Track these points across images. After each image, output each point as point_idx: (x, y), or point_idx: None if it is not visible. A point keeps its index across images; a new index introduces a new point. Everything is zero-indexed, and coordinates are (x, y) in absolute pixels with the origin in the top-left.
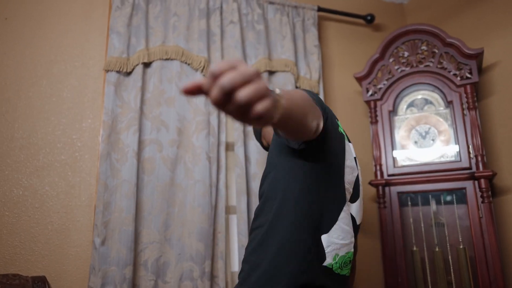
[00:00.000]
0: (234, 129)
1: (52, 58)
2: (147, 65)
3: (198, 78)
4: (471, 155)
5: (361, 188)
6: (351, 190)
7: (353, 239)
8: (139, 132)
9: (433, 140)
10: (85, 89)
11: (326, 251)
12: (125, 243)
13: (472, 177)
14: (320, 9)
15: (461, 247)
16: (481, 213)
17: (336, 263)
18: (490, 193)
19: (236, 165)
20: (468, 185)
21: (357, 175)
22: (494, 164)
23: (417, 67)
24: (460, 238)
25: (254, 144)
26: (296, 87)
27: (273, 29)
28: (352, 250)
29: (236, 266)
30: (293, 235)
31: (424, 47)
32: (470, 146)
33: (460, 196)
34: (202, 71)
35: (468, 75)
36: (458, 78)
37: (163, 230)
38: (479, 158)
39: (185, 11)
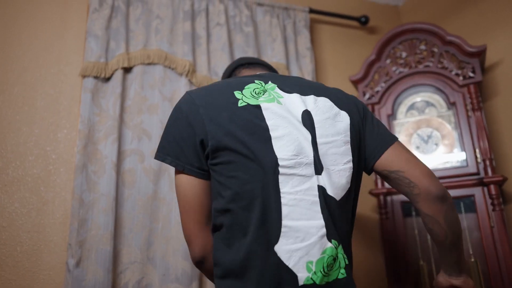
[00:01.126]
0: None
1: (25, 64)
2: (127, 70)
3: (183, 83)
4: (479, 160)
5: (333, 156)
6: (302, 162)
7: (323, 229)
8: (119, 142)
9: (436, 144)
10: (60, 97)
11: (290, 266)
12: (103, 264)
13: (480, 183)
14: (312, 11)
15: (472, 260)
16: (492, 222)
17: (315, 273)
18: (501, 200)
19: None
20: (477, 191)
21: (312, 138)
22: (502, 168)
23: (416, 68)
24: (471, 250)
25: None
26: None
27: (262, 31)
28: (329, 244)
29: None
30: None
31: (422, 47)
32: (477, 150)
33: (468, 204)
34: (187, 75)
35: (471, 74)
36: (461, 78)
37: (146, 249)
38: (487, 163)
39: (169, 13)
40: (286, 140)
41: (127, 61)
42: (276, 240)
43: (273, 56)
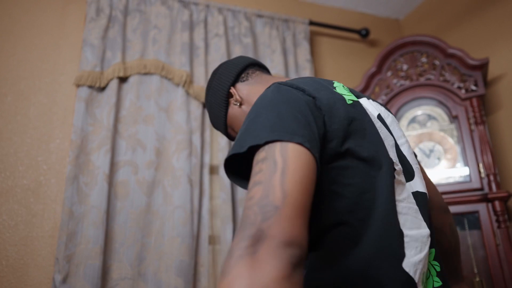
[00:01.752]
0: (219, 149)
1: (19, 73)
2: (123, 80)
3: (179, 94)
4: (482, 175)
5: (410, 158)
6: (399, 164)
7: (429, 238)
8: (112, 153)
9: (438, 159)
10: (54, 107)
11: (416, 280)
12: (91, 280)
13: (485, 199)
14: (311, 23)
15: (477, 279)
16: (497, 240)
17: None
18: (506, 216)
19: (221, 189)
20: (481, 208)
21: (395, 142)
22: (507, 184)
23: (417, 81)
24: (476, 270)
25: None
26: None
27: (261, 43)
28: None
29: None
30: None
31: (424, 59)
32: (481, 165)
33: (473, 220)
34: (183, 86)
35: (473, 88)
36: (463, 91)
37: (137, 264)
38: (491, 178)
39: (167, 23)
40: (387, 142)
41: (123, 71)
42: (402, 253)
43: (272, 67)
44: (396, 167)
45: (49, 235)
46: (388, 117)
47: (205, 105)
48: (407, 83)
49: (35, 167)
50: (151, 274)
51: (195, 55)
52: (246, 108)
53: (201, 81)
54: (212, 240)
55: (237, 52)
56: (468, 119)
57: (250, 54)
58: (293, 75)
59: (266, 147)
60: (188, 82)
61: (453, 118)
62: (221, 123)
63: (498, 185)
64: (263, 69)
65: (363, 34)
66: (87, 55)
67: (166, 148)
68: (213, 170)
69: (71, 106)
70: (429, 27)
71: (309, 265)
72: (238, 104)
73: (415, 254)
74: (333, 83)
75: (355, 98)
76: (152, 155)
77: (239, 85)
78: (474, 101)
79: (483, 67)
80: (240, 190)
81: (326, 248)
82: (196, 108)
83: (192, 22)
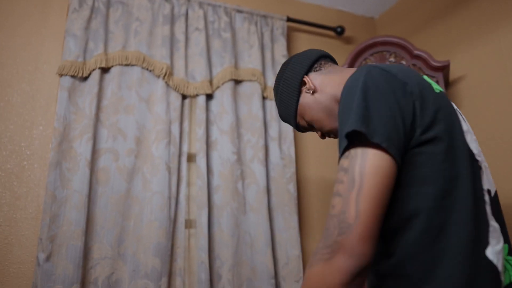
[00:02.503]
0: (196, 139)
1: (2, 60)
2: (105, 70)
3: (160, 85)
4: None
5: (480, 154)
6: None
7: (497, 224)
8: (94, 141)
9: None
10: (37, 95)
11: (499, 270)
12: (73, 259)
13: None
14: (289, 19)
15: None
16: None
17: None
18: None
19: (198, 176)
20: None
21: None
22: None
23: None
24: None
25: (217, 156)
26: (263, 97)
27: (240, 37)
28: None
29: (196, 283)
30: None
31: (392, 59)
32: None
33: None
34: (164, 77)
35: None
36: None
37: (117, 245)
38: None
39: (148, 16)
40: (469, 136)
41: (105, 62)
42: (486, 242)
43: (250, 62)
44: (478, 158)
45: (32, 217)
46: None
47: (275, 99)
48: None
49: (18, 152)
50: (130, 255)
51: (176, 48)
52: (319, 96)
53: (180, 74)
54: (188, 224)
55: (216, 46)
56: None
57: (228, 49)
58: (269, 70)
59: (352, 152)
60: (168, 74)
61: None
62: (292, 112)
63: None
64: (334, 61)
65: (339, 31)
66: (70, 45)
67: (146, 137)
68: (190, 158)
69: (53, 94)
70: (400, 27)
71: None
72: (311, 92)
73: (496, 244)
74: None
75: (441, 89)
76: (132, 144)
77: (312, 75)
78: None
79: (444, 68)
80: (215, 178)
81: (408, 237)
82: (176, 100)
83: (173, 16)
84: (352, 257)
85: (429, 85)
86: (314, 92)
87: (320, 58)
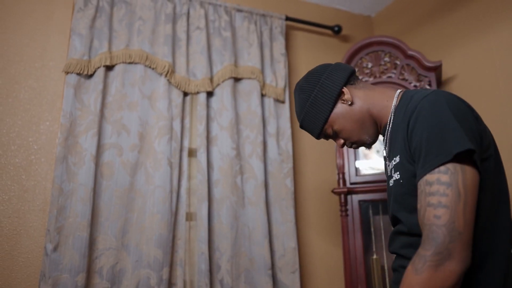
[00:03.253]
0: (197, 135)
1: (10, 57)
2: (109, 68)
3: (162, 83)
4: None
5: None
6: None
7: None
8: (98, 136)
9: None
10: (44, 91)
11: None
12: (79, 250)
13: None
14: (288, 19)
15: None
16: None
17: None
18: None
19: (198, 171)
20: None
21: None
22: None
23: (380, 78)
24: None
25: (217, 151)
26: (262, 94)
27: (240, 36)
28: None
29: (196, 273)
30: None
31: (386, 59)
32: None
33: None
34: (166, 75)
35: (427, 87)
36: None
37: (120, 237)
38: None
39: (151, 15)
40: None
41: (110, 60)
42: None
43: (249, 60)
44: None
45: (40, 209)
46: None
47: (304, 103)
48: (371, 79)
49: (26, 146)
50: (133, 246)
51: (177, 46)
52: (354, 107)
53: (182, 71)
54: (189, 216)
55: (216, 45)
56: None
57: (228, 47)
58: (268, 68)
59: (451, 169)
60: (170, 72)
61: None
62: (323, 119)
63: None
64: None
65: (336, 30)
66: (75, 44)
67: (149, 132)
68: (191, 153)
69: (59, 90)
70: (396, 26)
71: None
72: (349, 103)
73: None
74: None
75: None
76: (135, 139)
77: (349, 87)
78: None
79: (436, 69)
80: (215, 172)
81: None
82: (177, 97)
83: (175, 15)
84: (462, 262)
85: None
86: (351, 103)
87: (353, 73)
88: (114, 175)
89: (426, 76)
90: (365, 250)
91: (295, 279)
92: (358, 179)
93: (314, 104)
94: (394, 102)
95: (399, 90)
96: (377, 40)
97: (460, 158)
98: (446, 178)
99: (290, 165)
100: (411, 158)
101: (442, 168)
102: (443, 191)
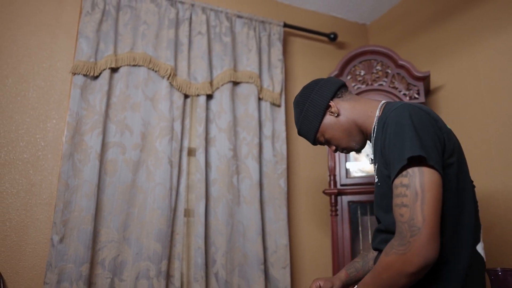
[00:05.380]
0: (196, 136)
1: (19, 58)
2: (114, 70)
3: (164, 85)
4: None
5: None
6: None
7: None
8: (103, 135)
9: None
10: (51, 90)
11: (485, 261)
12: (83, 242)
13: None
14: (286, 25)
15: None
16: None
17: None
18: None
19: (197, 170)
20: None
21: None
22: None
23: (371, 85)
24: None
25: (215, 152)
26: (259, 98)
27: (239, 42)
28: None
29: (192, 266)
30: None
31: (378, 67)
32: None
33: None
34: (168, 78)
35: (416, 96)
36: (407, 98)
37: (122, 230)
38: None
39: (155, 20)
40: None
41: (115, 62)
42: (478, 239)
43: (248, 65)
44: (472, 179)
45: (46, 203)
46: None
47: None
48: (363, 86)
49: (33, 143)
50: (134, 239)
51: (180, 50)
52: (341, 118)
53: (183, 75)
54: (187, 213)
55: (217, 49)
56: None
57: (228, 52)
58: (266, 73)
59: (410, 172)
60: (172, 75)
61: None
62: (314, 129)
63: None
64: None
65: (332, 37)
66: (82, 46)
67: (151, 133)
68: (190, 153)
69: (66, 90)
70: (389, 35)
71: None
72: (336, 115)
73: (482, 241)
74: None
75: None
76: (138, 139)
77: (336, 100)
78: None
79: (425, 79)
80: (213, 171)
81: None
82: (178, 99)
83: (178, 20)
84: (420, 256)
85: (445, 123)
86: (338, 115)
87: (342, 87)
88: (117, 172)
89: (415, 85)
90: (352, 248)
91: (286, 274)
92: (348, 181)
93: (306, 117)
94: (377, 113)
95: (382, 102)
96: (370, 49)
97: (418, 162)
98: (406, 181)
99: (284, 166)
100: (386, 164)
101: (403, 172)
102: (404, 192)
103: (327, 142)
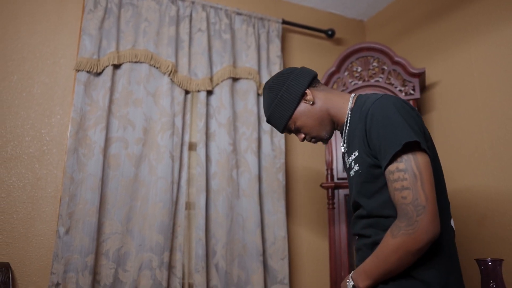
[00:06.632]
0: (197, 130)
1: (24, 55)
2: (116, 66)
3: (165, 81)
4: None
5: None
6: None
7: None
8: (106, 130)
9: None
10: (55, 86)
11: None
12: (88, 233)
13: None
14: (284, 22)
15: None
16: None
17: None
18: None
19: (198, 164)
20: None
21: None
22: None
23: (368, 81)
24: None
25: (215, 146)
26: (258, 94)
27: (239, 38)
28: None
29: (193, 257)
30: None
31: (375, 64)
32: None
33: None
34: (169, 74)
35: (412, 92)
36: (403, 94)
37: (125, 222)
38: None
39: (156, 17)
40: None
41: (117, 59)
42: (450, 215)
43: (247, 61)
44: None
45: (51, 196)
46: None
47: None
48: (360, 83)
49: (39, 138)
50: (137, 231)
51: (180, 47)
52: (315, 107)
53: (184, 71)
54: (188, 205)
55: (217, 46)
56: None
57: (228, 49)
58: (264, 69)
59: (405, 157)
60: (173, 72)
61: None
62: (287, 116)
63: None
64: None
65: (329, 34)
66: (85, 43)
67: (152, 127)
68: (191, 147)
69: (69, 86)
70: (386, 32)
71: None
72: (311, 103)
73: (451, 217)
74: None
75: None
76: (140, 133)
77: (311, 89)
78: (411, 103)
79: (420, 75)
80: (213, 165)
81: None
82: (179, 94)
83: (179, 17)
84: (428, 232)
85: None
86: (313, 103)
87: (315, 77)
88: (120, 166)
89: (410, 82)
90: (349, 240)
91: (284, 265)
92: (345, 175)
93: (281, 102)
94: (350, 104)
95: (353, 94)
96: (367, 46)
97: (410, 147)
98: (403, 166)
99: (282, 160)
100: (369, 152)
101: (398, 158)
102: (402, 176)
103: (297, 130)
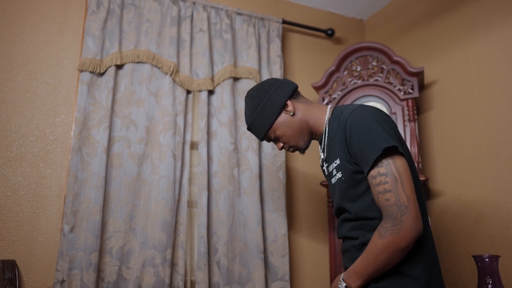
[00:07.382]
0: (198, 130)
1: (28, 55)
2: (119, 67)
3: (167, 81)
4: None
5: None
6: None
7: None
8: (109, 129)
9: None
10: (59, 87)
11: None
12: (92, 231)
13: None
14: (284, 22)
15: None
16: None
17: None
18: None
19: (199, 163)
20: None
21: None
22: (429, 170)
23: (367, 81)
24: None
25: (216, 145)
26: None
27: (239, 38)
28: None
29: (195, 254)
30: None
31: (374, 63)
32: None
33: None
34: (171, 74)
35: (410, 91)
36: (402, 93)
37: (129, 221)
38: (415, 165)
39: (158, 18)
40: None
41: (120, 59)
42: (426, 212)
43: (247, 61)
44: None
45: (56, 194)
46: None
47: (253, 108)
48: (359, 82)
49: (43, 137)
50: (139, 229)
51: (182, 47)
52: (295, 118)
53: (185, 71)
54: (190, 204)
55: (217, 46)
56: (404, 116)
57: (228, 49)
58: (265, 69)
59: (385, 161)
60: (175, 72)
61: (393, 114)
62: (268, 125)
63: (420, 171)
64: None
65: (329, 33)
66: (88, 44)
67: (155, 127)
68: (193, 146)
69: (73, 86)
70: (385, 31)
71: None
72: (291, 114)
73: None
74: None
75: None
76: (142, 133)
77: (292, 100)
78: (410, 102)
79: (419, 74)
80: (215, 164)
81: None
82: (181, 94)
83: (180, 18)
84: (413, 230)
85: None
86: (293, 114)
87: (296, 89)
88: (123, 165)
89: (409, 81)
90: None
91: (285, 262)
92: None
93: (262, 112)
94: (327, 115)
95: (329, 106)
96: (366, 46)
97: (389, 152)
98: (383, 170)
99: (283, 159)
100: (351, 159)
101: (379, 163)
102: (384, 180)
103: (276, 139)
